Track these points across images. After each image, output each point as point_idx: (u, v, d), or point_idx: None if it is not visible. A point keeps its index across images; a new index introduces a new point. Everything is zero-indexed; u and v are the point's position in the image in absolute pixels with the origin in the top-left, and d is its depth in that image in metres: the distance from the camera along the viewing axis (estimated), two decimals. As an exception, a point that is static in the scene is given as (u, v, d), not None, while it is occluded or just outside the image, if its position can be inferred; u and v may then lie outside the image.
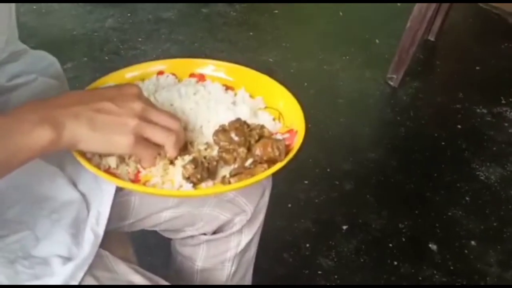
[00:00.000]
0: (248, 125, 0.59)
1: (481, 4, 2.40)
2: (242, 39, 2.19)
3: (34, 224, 0.59)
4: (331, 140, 1.69)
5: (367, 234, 1.38)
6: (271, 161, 0.55)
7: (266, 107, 0.65)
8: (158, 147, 0.55)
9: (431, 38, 2.16)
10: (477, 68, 2.06)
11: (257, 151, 0.55)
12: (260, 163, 0.55)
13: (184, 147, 0.57)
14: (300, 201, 1.46)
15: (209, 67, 0.69)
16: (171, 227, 0.75)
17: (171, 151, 0.55)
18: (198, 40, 2.17)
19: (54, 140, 0.48)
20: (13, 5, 0.60)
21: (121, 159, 0.56)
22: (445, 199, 1.50)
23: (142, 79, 0.67)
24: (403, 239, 1.38)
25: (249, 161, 0.56)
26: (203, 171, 0.54)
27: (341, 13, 2.41)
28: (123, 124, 0.51)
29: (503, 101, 1.88)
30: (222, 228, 0.75)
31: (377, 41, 2.19)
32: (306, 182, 1.52)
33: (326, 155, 1.61)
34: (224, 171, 0.56)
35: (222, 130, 0.58)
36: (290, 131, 0.61)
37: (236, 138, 0.57)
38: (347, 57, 2.10)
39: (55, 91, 0.64)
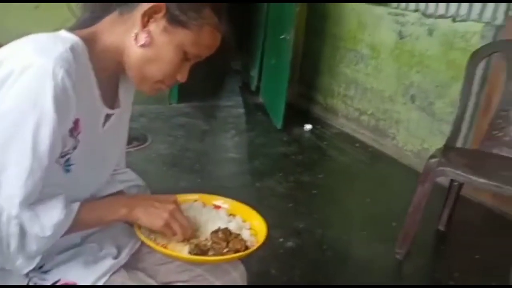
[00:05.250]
0: (231, 232, 1.04)
1: (489, 205, 2.86)
2: (282, 208, 2.70)
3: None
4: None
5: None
6: (237, 251, 0.99)
7: (250, 228, 1.09)
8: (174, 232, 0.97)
9: (441, 228, 2.55)
10: (477, 256, 2.36)
11: (230, 244, 1.01)
12: (231, 251, 0.99)
13: (193, 236, 1.02)
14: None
15: (225, 204, 1.17)
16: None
17: (178, 238, 0.98)
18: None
19: (126, 215, 0.94)
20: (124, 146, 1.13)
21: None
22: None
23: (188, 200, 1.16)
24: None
25: (225, 250, 1.00)
26: (197, 250, 0.98)
27: (368, 200, 2.91)
28: (160, 214, 0.95)
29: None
30: None
31: (394, 224, 2.53)
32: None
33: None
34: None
35: (215, 232, 1.04)
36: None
37: (221, 236, 1.02)
38: (365, 232, 2.53)
39: (141, 191, 1.18)
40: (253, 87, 5.08)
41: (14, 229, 0.78)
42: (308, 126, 4.15)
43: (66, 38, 0.83)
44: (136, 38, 0.88)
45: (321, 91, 4.56)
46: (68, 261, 0.96)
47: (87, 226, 0.94)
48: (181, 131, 3.84)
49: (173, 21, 0.88)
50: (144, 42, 0.88)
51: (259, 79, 4.93)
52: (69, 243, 0.98)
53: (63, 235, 0.85)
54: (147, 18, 0.87)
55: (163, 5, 0.86)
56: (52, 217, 0.81)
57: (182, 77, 0.95)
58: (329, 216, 2.69)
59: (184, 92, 4.42)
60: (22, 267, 0.82)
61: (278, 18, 4.25)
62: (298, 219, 2.55)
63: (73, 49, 0.81)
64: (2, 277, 0.90)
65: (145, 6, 0.86)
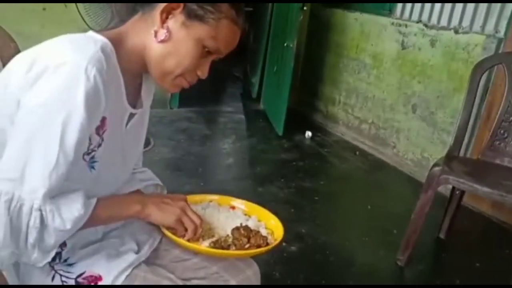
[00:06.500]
0: (251, 229, 1.08)
1: (489, 215, 2.92)
2: (284, 213, 2.62)
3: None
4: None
5: None
6: (258, 247, 1.03)
7: (265, 227, 1.14)
8: (185, 229, 1.01)
9: (442, 236, 2.60)
10: (477, 264, 2.39)
11: (252, 240, 1.05)
12: (253, 247, 1.04)
13: (207, 234, 1.06)
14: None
15: (241, 205, 1.21)
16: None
17: (189, 234, 1.00)
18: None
19: (139, 212, 0.97)
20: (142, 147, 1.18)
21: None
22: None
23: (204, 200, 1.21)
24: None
25: (247, 245, 1.04)
26: (218, 245, 1.03)
27: (369, 207, 2.94)
28: (172, 210, 1.00)
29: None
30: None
31: (395, 231, 2.58)
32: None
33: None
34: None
35: (236, 228, 1.08)
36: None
37: (242, 232, 1.07)
38: (366, 238, 2.56)
39: (158, 190, 1.23)
40: (254, 94, 5.11)
41: (34, 222, 0.79)
42: (309, 133, 4.19)
43: (96, 39, 0.87)
44: (156, 35, 0.91)
45: (322, 99, 4.60)
46: (91, 255, 0.98)
47: (102, 221, 0.96)
48: (183, 135, 3.86)
49: (191, 15, 0.91)
50: (163, 38, 0.91)
51: (260, 86, 4.97)
52: (91, 238, 1.01)
53: (78, 230, 0.86)
54: (165, 14, 0.91)
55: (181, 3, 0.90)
56: (72, 211, 0.83)
57: (202, 73, 0.97)
58: (331, 222, 2.71)
59: (185, 97, 4.44)
60: (37, 260, 0.83)
61: (281, 26, 4.29)
62: (301, 224, 2.58)
63: (103, 49, 0.85)
64: (27, 270, 0.92)
65: (164, 3, 0.90)
